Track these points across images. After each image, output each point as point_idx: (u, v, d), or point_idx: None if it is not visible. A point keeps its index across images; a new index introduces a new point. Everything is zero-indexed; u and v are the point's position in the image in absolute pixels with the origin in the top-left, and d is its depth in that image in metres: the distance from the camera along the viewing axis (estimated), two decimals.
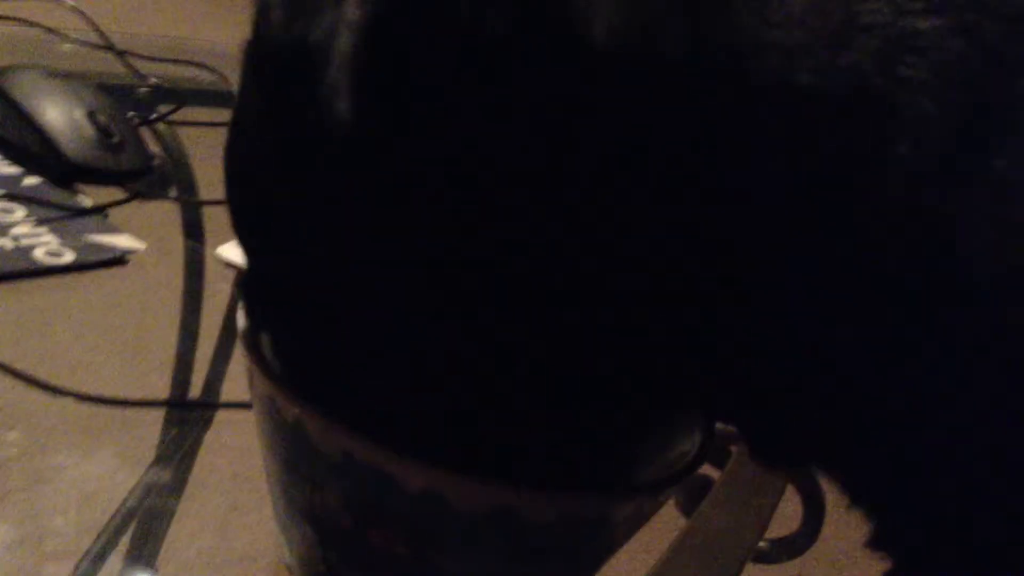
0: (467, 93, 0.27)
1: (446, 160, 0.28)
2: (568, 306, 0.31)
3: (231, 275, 0.78)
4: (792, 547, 0.61)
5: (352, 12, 0.28)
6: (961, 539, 0.33)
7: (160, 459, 0.56)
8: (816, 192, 0.27)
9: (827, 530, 0.59)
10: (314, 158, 0.30)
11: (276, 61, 0.31)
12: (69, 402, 0.59)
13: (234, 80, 1.18)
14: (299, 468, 0.37)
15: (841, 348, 0.29)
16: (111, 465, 0.55)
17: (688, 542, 0.54)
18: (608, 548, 0.39)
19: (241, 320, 0.39)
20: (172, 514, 0.52)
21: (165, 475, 0.55)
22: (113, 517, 0.51)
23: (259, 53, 0.32)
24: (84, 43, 1.21)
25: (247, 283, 0.38)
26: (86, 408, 0.59)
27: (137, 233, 0.79)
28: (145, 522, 0.52)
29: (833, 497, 0.65)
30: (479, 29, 0.27)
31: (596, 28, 0.26)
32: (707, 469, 0.47)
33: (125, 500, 0.52)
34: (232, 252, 0.80)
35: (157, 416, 0.60)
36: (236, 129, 0.35)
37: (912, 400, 0.29)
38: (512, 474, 0.33)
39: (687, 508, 0.56)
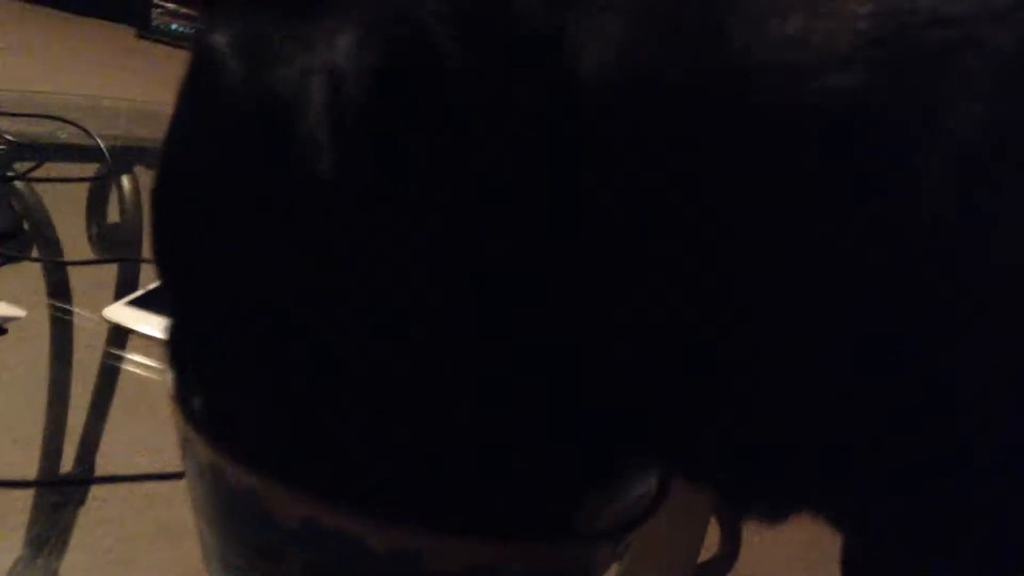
0: (464, 148, 0.26)
1: (435, 215, 0.27)
2: (541, 361, 0.30)
3: (105, 337, 0.74)
4: (718, 568, 0.62)
5: (336, 57, 0.27)
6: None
7: (33, 543, 0.52)
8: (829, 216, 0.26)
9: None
10: (289, 210, 0.29)
11: (239, 113, 0.29)
12: None
13: (95, 132, 1.14)
14: (249, 539, 0.34)
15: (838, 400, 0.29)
16: None
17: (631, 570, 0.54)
18: None
19: (170, 383, 0.36)
20: None
21: (39, 560, 0.51)
22: None
23: (213, 104, 0.30)
24: None
25: (179, 344, 0.35)
26: None
27: (8, 299, 0.74)
28: None
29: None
30: (473, 81, 0.26)
31: (586, 64, 0.25)
32: None
33: None
34: (119, 313, 0.77)
35: (27, 497, 0.56)
36: (172, 178, 0.32)
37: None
38: (483, 530, 0.32)
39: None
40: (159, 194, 0.33)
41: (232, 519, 0.34)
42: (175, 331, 0.35)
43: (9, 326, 0.72)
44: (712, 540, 0.61)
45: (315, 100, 0.27)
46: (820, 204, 0.25)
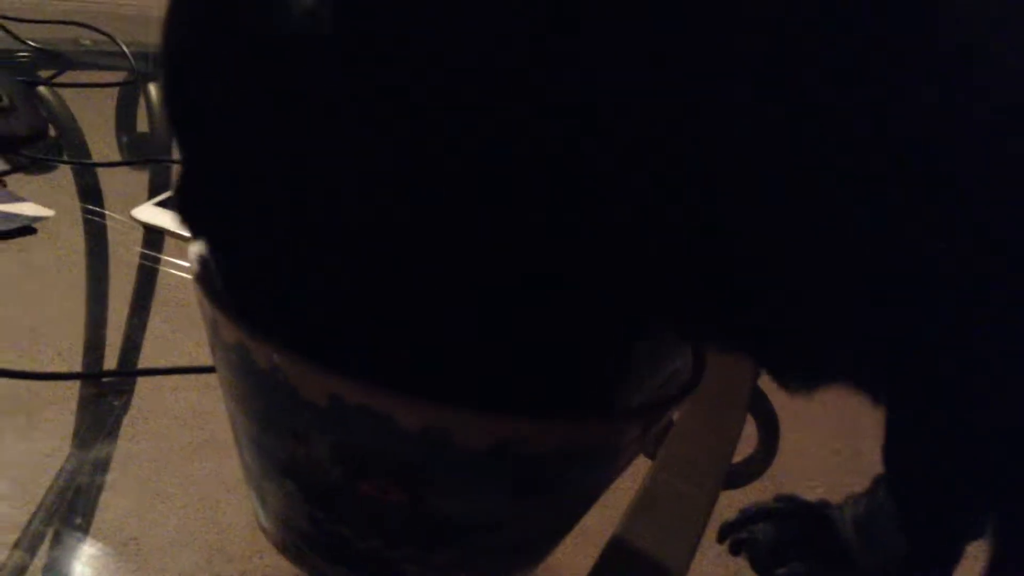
0: None
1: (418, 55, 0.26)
2: (551, 222, 0.29)
3: (139, 238, 0.74)
4: (754, 468, 0.61)
5: None
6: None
7: (83, 435, 0.53)
8: None
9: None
10: (277, 49, 0.28)
11: None
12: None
13: (120, 40, 1.13)
14: (278, 420, 0.34)
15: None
16: (37, 443, 0.51)
17: (657, 483, 0.53)
18: (608, 477, 0.38)
19: (193, 261, 0.35)
20: (100, 490, 0.49)
21: (90, 452, 0.52)
22: (45, 496, 0.48)
23: None
24: None
25: (197, 212, 0.34)
26: (2, 385, 0.55)
27: (36, 201, 0.74)
28: (76, 500, 0.48)
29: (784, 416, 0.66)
30: None
31: None
32: None
33: (56, 478, 0.49)
34: (148, 213, 0.76)
35: (73, 389, 0.57)
36: (176, 19, 0.31)
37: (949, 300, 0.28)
38: (512, 405, 0.31)
39: (651, 449, 0.55)
40: (167, 46, 0.32)
41: (261, 400, 0.34)
42: (194, 200, 0.34)
43: (38, 226, 0.72)
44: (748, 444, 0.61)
45: None
46: None
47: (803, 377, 0.34)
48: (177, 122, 0.33)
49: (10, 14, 1.10)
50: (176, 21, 0.31)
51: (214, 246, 0.34)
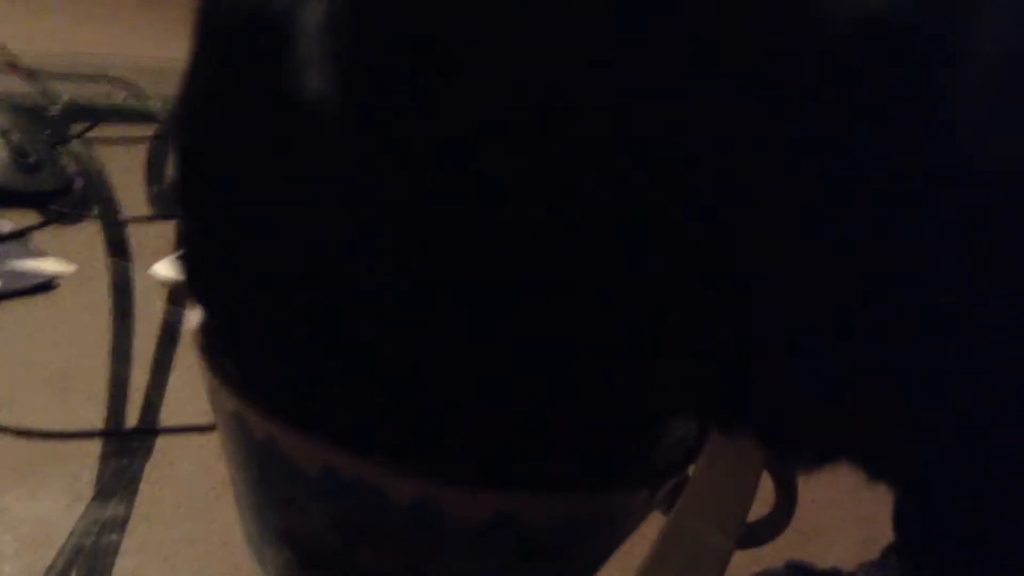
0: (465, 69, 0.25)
1: (432, 140, 0.26)
2: (563, 301, 0.29)
3: (164, 293, 0.74)
4: (770, 529, 0.60)
5: None
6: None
7: (103, 492, 0.53)
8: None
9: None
10: (277, 135, 0.28)
11: (232, 32, 0.28)
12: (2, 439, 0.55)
13: (151, 93, 1.15)
14: (274, 488, 0.34)
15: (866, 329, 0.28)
16: (52, 502, 0.51)
17: (670, 540, 0.53)
18: (612, 544, 0.37)
19: (194, 328, 0.36)
20: (118, 548, 0.49)
21: (109, 509, 0.52)
22: (59, 555, 0.48)
23: (211, 22, 0.29)
24: None
25: (198, 282, 0.34)
26: (21, 444, 0.55)
27: (62, 256, 0.75)
28: (92, 558, 0.48)
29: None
30: None
31: None
32: None
33: (70, 537, 0.49)
34: (167, 269, 0.77)
35: (96, 447, 0.57)
36: (188, 102, 0.32)
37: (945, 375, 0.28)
38: (509, 479, 0.31)
39: (665, 505, 0.55)
40: (173, 131, 0.32)
41: (258, 468, 0.34)
42: (197, 274, 0.35)
43: (61, 282, 0.72)
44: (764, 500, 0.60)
45: (309, 20, 0.26)
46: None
47: (810, 457, 0.34)
48: (184, 192, 0.33)
49: (43, 69, 1.12)
50: (188, 97, 0.32)
51: (214, 315, 0.34)
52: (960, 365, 0.29)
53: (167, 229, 0.88)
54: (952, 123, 0.24)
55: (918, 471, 0.33)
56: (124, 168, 1.00)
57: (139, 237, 0.84)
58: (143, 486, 0.55)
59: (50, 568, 0.47)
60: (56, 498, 0.52)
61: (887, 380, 0.29)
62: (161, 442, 0.59)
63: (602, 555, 0.38)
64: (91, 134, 1.03)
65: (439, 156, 0.26)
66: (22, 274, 0.71)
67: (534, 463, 0.32)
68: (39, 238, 0.79)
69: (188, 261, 0.34)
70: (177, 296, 0.75)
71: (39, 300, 0.71)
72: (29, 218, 0.81)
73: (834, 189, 0.26)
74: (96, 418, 0.60)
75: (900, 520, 0.41)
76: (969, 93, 0.24)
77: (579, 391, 0.31)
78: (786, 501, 0.60)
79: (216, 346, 0.35)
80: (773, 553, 0.58)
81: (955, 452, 0.31)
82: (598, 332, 0.29)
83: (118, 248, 0.82)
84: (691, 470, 0.50)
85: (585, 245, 0.27)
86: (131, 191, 0.95)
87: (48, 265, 0.73)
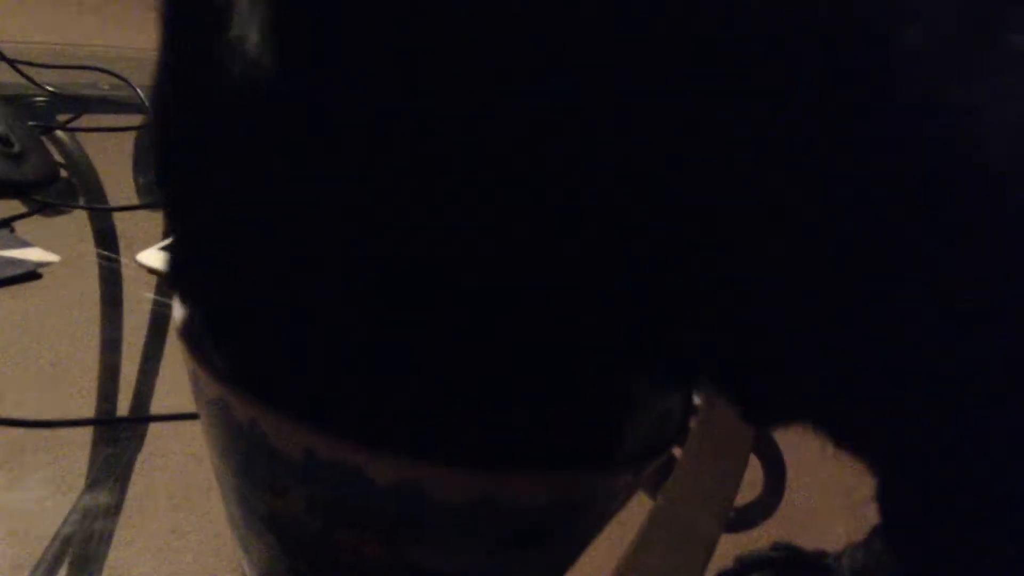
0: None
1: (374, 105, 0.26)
2: (539, 273, 0.28)
3: (152, 282, 0.74)
4: (758, 512, 0.60)
5: None
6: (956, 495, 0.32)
7: (94, 482, 0.53)
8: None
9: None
10: (224, 107, 0.28)
11: (180, 9, 0.28)
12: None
13: (137, 83, 1.15)
14: (256, 473, 0.34)
15: (837, 293, 0.27)
16: (42, 491, 0.51)
17: (657, 524, 0.52)
18: (595, 528, 0.37)
19: (178, 317, 0.35)
20: (110, 539, 0.49)
21: (100, 498, 0.52)
22: (49, 546, 0.48)
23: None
24: None
25: (180, 272, 0.34)
26: (10, 433, 0.55)
27: (48, 246, 0.75)
28: (83, 549, 0.48)
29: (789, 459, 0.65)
30: None
31: None
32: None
33: (61, 527, 0.49)
34: (153, 258, 0.77)
35: (86, 436, 0.57)
36: (155, 84, 0.32)
37: (918, 344, 0.28)
38: (491, 459, 0.31)
39: (651, 489, 0.54)
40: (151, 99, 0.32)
41: (240, 453, 0.34)
42: (179, 264, 0.35)
43: (45, 271, 0.72)
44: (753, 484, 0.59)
45: None
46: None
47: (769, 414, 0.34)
48: (159, 179, 0.33)
49: (28, 59, 1.11)
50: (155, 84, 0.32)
51: (194, 301, 0.34)
52: (940, 334, 0.29)
53: (154, 218, 0.88)
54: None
55: (898, 447, 0.33)
56: (110, 158, 1.00)
57: (125, 226, 0.84)
58: (135, 473, 0.55)
59: (40, 559, 0.47)
60: (46, 487, 0.52)
61: (867, 346, 0.29)
62: (153, 431, 0.59)
63: (586, 539, 0.38)
64: (77, 123, 1.02)
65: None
66: (7, 263, 0.71)
67: (515, 443, 0.32)
68: (24, 228, 0.78)
69: (169, 249, 0.34)
70: (165, 284, 0.74)
71: (25, 289, 0.71)
72: (14, 207, 0.81)
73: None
74: (85, 408, 0.59)
75: (883, 500, 0.41)
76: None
77: (560, 368, 0.31)
78: (775, 484, 0.60)
79: (197, 332, 0.35)
80: (762, 537, 0.58)
81: (938, 426, 0.31)
82: (578, 307, 0.29)
83: (106, 237, 0.82)
84: (677, 452, 0.50)
85: (561, 210, 0.27)
86: (117, 180, 0.95)
87: (33, 254, 0.73)
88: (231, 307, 0.33)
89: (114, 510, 0.51)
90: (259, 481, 0.34)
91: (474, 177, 0.27)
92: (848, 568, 0.48)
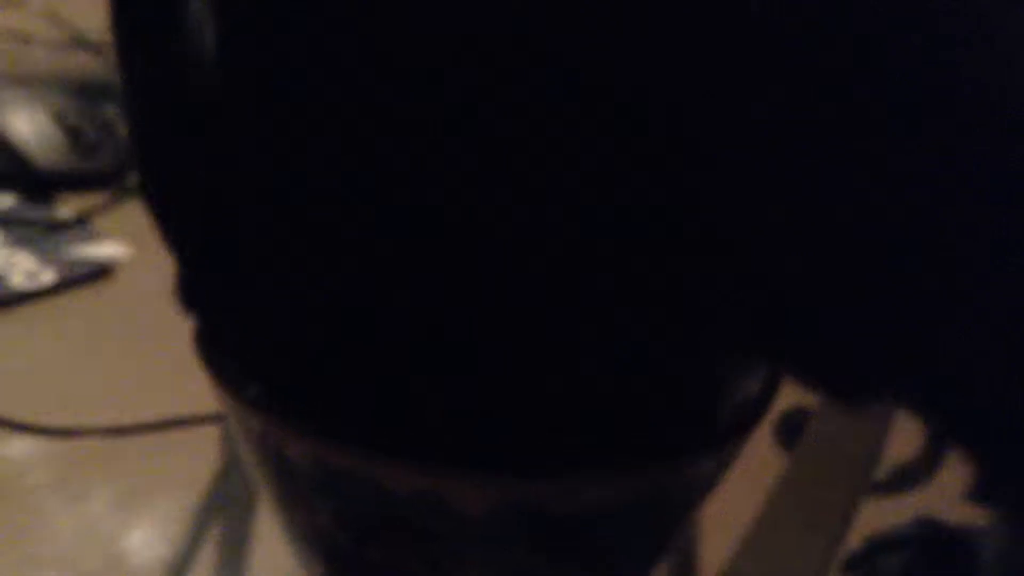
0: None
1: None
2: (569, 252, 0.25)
3: None
4: (910, 477, 0.52)
5: None
6: None
7: (221, 478, 0.53)
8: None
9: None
10: (188, 105, 0.25)
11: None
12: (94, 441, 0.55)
13: None
14: (283, 488, 0.32)
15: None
16: (100, 505, 0.51)
17: (794, 480, 0.48)
18: (675, 525, 0.33)
19: (193, 331, 0.33)
20: (249, 533, 0.49)
21: (231, 494, 0.51)
22: (194, 542, 0.48)
23: None
24: (58, 44, 1.15)
25: (184, 286, 0.32)
26: (109, 442, 0.55)
27: (127, 236, 0.74)
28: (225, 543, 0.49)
29: None
30: None
31: None
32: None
33: (200, 523, 0.49)
34: None
35: (185, 436, 0.56)
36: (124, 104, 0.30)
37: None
38: (519, 460, 0.28)
39: (787, 442, 0.50)
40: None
41: (264, 467, 0.32)
42: (179, 272, 0.33)
43: (117, 266, 0.71)
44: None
45: None
46: None
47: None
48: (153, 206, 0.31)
49: (108, 41, 1.11)
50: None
51: (199, 313, 0.32)
52: None
53: None
54: None
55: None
56: None
57: None
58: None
59: (186, 553, 0.47)
60: (105, 500, 0.51)
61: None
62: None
63: (656, 547, 0.33)
64: None
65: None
66: (80, 262, 0.70)
67: (555, 438, 0.28)
68: (101, 221, 0.78)
69: (181, 268, 0.32)
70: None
71: (99, 286, 0.70)
72: (89, 200, 0.80)
73: None
74: (181, 405, 0.58)
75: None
76: None
77: (600, 340, 0.27)
78: (935, 443, 0.51)
79: (211, 345, 0.32)
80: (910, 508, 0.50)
81: None
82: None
83: None
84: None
85: (599, 189, 0.24)
86: None
87: (104, 250, 0.72)
88: (232, 316, 0.31)
89: (250, 504, 0.51)
90: (287, 496, 0.32)
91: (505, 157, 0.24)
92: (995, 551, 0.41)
